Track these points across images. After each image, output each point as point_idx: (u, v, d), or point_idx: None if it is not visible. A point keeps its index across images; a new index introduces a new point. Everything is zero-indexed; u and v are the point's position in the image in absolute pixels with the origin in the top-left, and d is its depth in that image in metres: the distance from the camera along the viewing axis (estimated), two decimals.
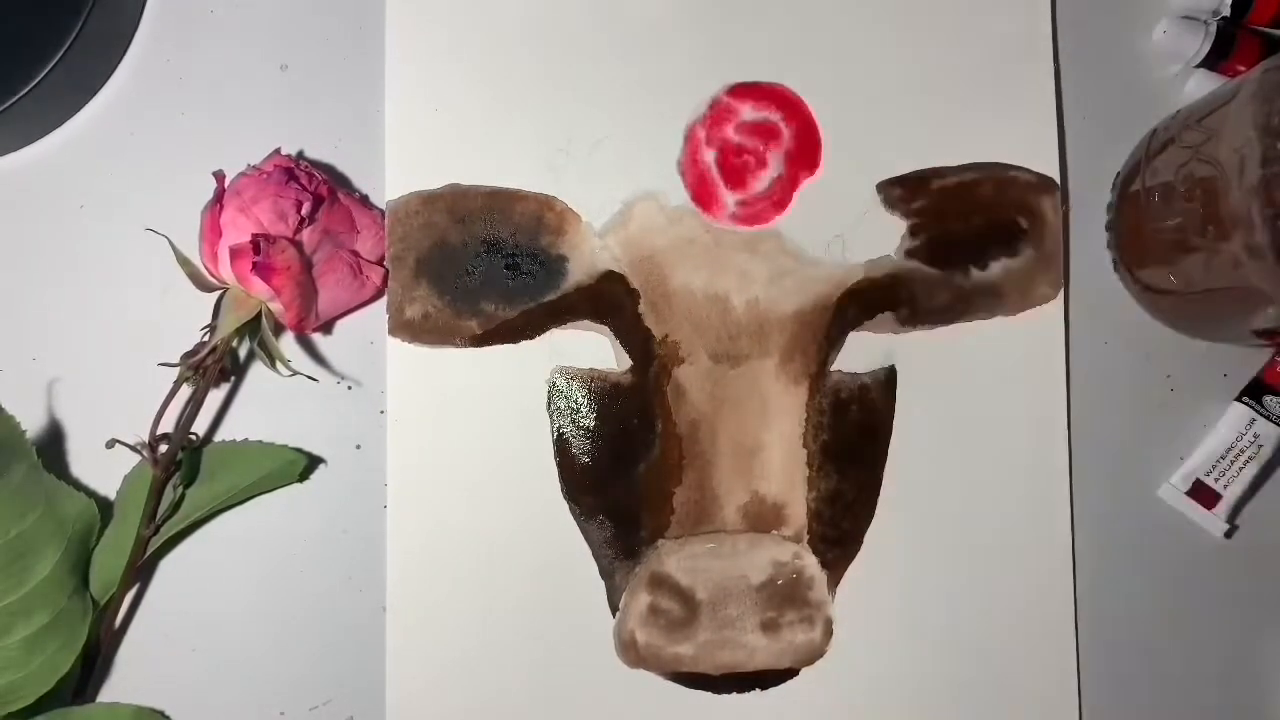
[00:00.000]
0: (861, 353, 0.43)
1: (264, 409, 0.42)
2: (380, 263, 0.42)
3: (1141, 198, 0.41)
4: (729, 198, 0.43)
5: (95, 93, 0.43)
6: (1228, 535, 0.44)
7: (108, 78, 0.43)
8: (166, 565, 0.42)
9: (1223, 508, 0.43)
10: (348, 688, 0.42)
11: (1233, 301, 0.39)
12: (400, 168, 0.42)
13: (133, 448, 0.40)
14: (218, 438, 0.42)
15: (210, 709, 0.41)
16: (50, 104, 0.42)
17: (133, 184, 0.43)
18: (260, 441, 0.42)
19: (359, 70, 0.43)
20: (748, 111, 0.43)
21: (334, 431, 0.42)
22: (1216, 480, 0.43)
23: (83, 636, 0.39)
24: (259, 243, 0.38)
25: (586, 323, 0.42)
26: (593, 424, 0.42)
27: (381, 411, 0.42)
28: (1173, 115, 0.42)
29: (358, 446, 0.42)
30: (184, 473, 0.40)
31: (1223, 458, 0.44)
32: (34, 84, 0.40)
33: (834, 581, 0.42)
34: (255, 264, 0.38)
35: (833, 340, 0.43)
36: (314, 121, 0.43)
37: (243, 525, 0.42)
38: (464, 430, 0.42)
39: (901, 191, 0.43)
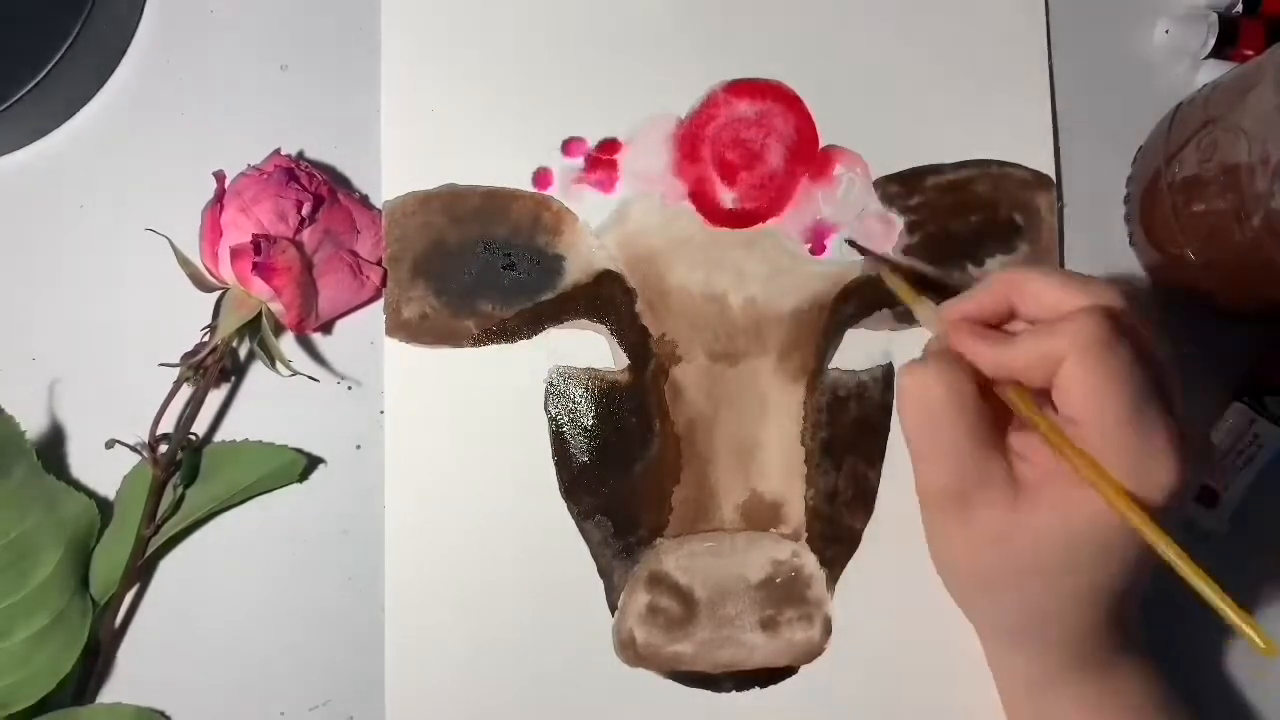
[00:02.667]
0: (859, 350, 0.43)
1: (264, 409, 0.42)
2: (379, 263, 0.42)
3: (1164, 176, 0.41)
4: (726, 195, 0.43)
5: (95, 93, 0.43)
6: (1228, 535, 0.44)
7: (108, 78, 0.43)
8: (166, 565, 0.42)
9: (1223, 508, 0.43)
10: (348, 688, 0.41)
11: (1251, 277, 0.39)
12: (397, 168, 0.42)
13: (133, 448, 0.40)
14: (218, 438, 0.42)
15: (210, 709, 0.41)
16: (50, 104, 0.42)
17: (133, 184, 0.43)
18: (260, 441, 0.42)
19: (359, 70, 0.43)
20: (744, 108, 0.43)
21: (334, 431, 0.42)
22: (1216, 480, 0.43)
23: (83, 637, 0.39)
24: (260, 243, 0.38)
25: (584, 322, 0.42)
26: (591, 423, 0.42)
27: (381, 411, 0.42)
28: (1190, 100, 0.42)
29: (357, 446, 0.42)
30: (184, 473, 0.40)
31: (1223, 458, 0.43)
32: (34, 84, 0.40)
33: (833, 579, 0.42)
34: (256, 264, 0.38)
35: (830, 338, 0.42)
36: (314, 121, 0.43)
37: (243, 525, 0.42)
38: (462, 430, 0.42)
39: (898, 188, 0.43)
